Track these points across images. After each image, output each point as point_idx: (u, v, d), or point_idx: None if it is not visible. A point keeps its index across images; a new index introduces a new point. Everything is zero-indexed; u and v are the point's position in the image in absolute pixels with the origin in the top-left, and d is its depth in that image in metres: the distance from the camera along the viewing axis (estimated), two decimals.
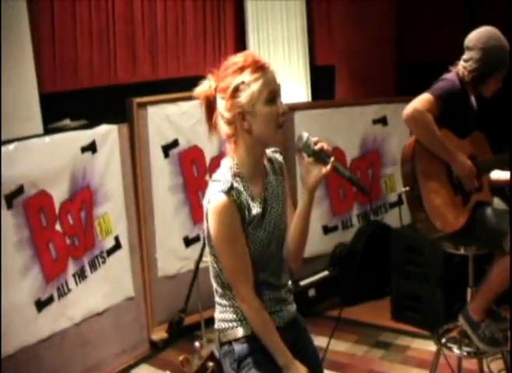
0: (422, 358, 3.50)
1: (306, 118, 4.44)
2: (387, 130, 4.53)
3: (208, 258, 2.02)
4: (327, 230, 4.56)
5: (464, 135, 2.84)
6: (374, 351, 3.71)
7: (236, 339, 1.96)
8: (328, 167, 1.88)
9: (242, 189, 1.92)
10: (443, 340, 2.95)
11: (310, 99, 5.14)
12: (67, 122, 3.65)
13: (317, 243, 4.50)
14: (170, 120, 3.89)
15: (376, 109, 4.56)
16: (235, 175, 1.92)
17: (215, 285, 2.01)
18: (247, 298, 1.92)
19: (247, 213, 1.91)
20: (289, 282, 2.12)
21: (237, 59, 1.91)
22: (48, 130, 3.47)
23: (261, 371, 1.92)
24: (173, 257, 3.95)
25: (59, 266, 3.35)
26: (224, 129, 1.92)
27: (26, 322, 3.17)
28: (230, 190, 1.88)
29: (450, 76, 2.81)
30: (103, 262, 3.64)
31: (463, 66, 2.80)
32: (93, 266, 3.57)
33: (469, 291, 2.92)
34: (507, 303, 3.06)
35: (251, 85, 1.86)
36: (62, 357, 3.41)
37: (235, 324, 1.97)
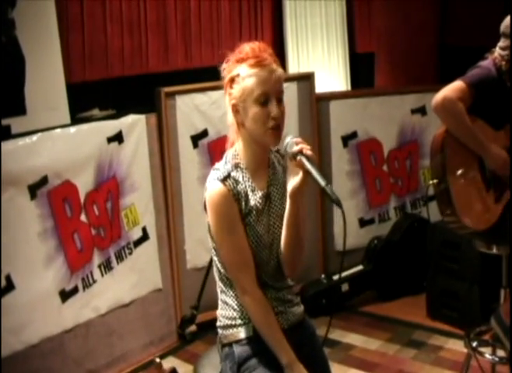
0: (454, 360, 3.34)
1: (342, 107, 4.31)
2: (426, 120, 4.34)
3: None
4: (363, 223, 4.42)
5: (500, 126, 2.66)
6: (406, 351, 3.57)
7: (237, 341, 1.89)
8: (300, 174, 1.77)
9: (241, 179, 1.86)
10: (475, 344, 2.79)
11: (349, 87, 5.00)
12: (95, 112, 3.64)
13: (353, 236, 4.37)
14: (199, 109, 3.81)
15: (415, 99, 4.37)
16: (236, 165, 1.87)
17: (217, 281, 1.96)
18: (248, 289, 1.85)
19: (243, 203, 1.85)
20: (292, 283, 2.03)
21: (244, 48, 1.86)
22: (75, 120, 3.45)
23: None
24: (202, 249, 3.87)
25: (84, 256, 3.33)
26: (228, 115, 1.89)
27: (50, 312, 3.17)
28: (226, 179, 1.84)
29: (486, 63, 2.63)
30: (130, 253, 3.60)
31: (500, 54, 2.61)
32: (120, 258, 3.55)
33: (502, 292, 2.76)
34: None
35: (245, 80, 1.81)
36: (87, 347, 3.40)
37: (235, 322, 1.90)
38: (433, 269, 3.88)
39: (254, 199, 1.87)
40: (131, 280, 3.60)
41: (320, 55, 4.92)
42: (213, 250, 1.93)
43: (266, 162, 1.94)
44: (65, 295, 3.23)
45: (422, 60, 4.96)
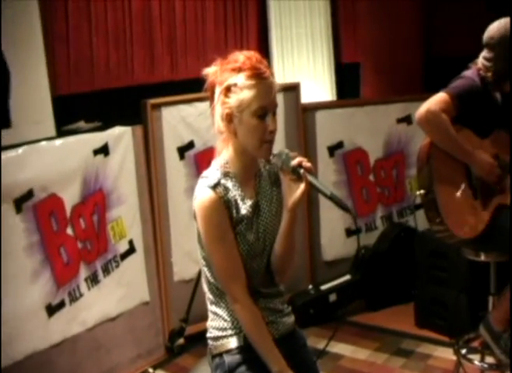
0: (443, 368, 3.34)
1: (327, 117, 4.32)
2: (412, 129, 4.34)
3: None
4: (350, 232, 4.42)
5: (486, 135, 2.68)
6: (395, 359, 3.56)
7: (227, 351, 1.89)
8: (303, 185, 1.80)
9: (231, 187, 1.86)
10: (464, 351, 2.80)
11: (335, 97, 5.03)
12: (81, 124, 3.62)
13: (340, 246, 4.39)
14: (185, 121, 3.80)
15: (401, 108, 4.39)
16: (224, 174, 1.86)
17: (207, 292, 1.95)
18: (239, 297, 1.84)
19: (234, 211, 1.85)
20: (282, 289, 2.04)
21: (239, 57, 1.83)
22: (61, 133, 3.44)
23: None
24: (189, 261, 3.85)
25: (71, 270, 3.30)
26: (217, 123, 1.86)
27: (37, 327, 3.12)
28: (217, 186, 1.83)
29: (469, 73, 2.65)
30: (117, 266, 3.57)
31: (484, 65, 2.63)
32: (106, 271, 3.52)
33: (491, 299, 2.78)
34: None
35: (243, 91, 1.79)
36: (75, 361, 3.36)
37: (226, 333, 1.89)
38: (421, 278, 3.89)
39: (245, 208, 1.87)
40: (118, 293, 3.57)
41: (306, 65, 4.95)
42: (202, 260, 1.92)
43: (254, 171, 1.95)
44: (52, 310, 3.19)
45: (408, 70, 4.98)
